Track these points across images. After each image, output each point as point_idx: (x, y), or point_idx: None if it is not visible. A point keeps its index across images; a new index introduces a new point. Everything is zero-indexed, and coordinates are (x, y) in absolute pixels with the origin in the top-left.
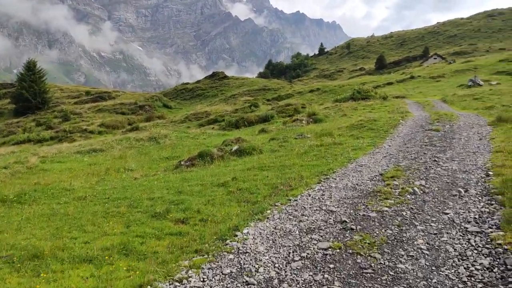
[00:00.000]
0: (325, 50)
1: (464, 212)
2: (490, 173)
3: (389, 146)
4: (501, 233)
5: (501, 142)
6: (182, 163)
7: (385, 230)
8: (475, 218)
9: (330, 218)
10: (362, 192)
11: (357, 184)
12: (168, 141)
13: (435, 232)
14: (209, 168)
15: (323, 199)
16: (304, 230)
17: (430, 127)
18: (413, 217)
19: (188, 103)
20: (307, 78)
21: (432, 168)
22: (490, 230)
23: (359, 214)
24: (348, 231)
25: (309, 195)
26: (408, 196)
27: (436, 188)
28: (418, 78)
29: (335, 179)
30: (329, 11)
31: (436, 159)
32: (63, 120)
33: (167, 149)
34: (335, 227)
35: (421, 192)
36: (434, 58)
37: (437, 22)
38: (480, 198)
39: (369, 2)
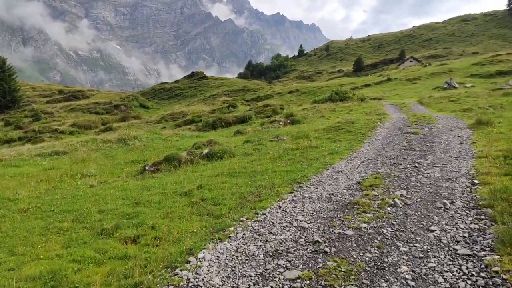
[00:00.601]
0: (305, 52)
1: (451, 229)
2: (476, 181)
3: (367, 150)
4: (496, 257)
5: (483, 146)
6: (146, 168)
7: (363, 253)
8: (464, 237)
9: (301, 238)
10: (338, 203)
11: (332, 194)
12: (138, 143)
13: (420, 255)
14: (175, 173)
15: (294, 212)
16: (270, 254)
17: (408, 129)
18: (394, 236)
19: (166, 103)
20: (286, 79)
21: (413, 176)
22: (483, 253)
23: (334, 232)
24: (321, 254)
25: (279, 208)
26: (389, 209)
27: (419, 199)
28: (395, 80)
29: (309, 187)
30: (309, 14)
31: (417, 165)
32: (33, 119)
33: (135, 151)
34: (306, 249)
35: (403, 204)
36: (410, 61)
37: (413, 26)
38: (467, 211)
39: (348, 5)
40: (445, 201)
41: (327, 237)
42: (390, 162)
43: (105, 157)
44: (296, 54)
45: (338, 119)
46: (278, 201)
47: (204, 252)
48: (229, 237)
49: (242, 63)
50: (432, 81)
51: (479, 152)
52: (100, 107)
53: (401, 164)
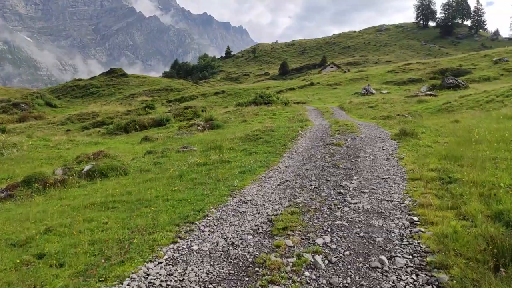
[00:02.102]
0: (232, 53)
1: None
2: (415, 218)
3: (286, 167)
4: None
5: (413, 163)
6: None
7: None
8: None
9: None
10: (237, 265)
11: (232, 244)
12: (16, 152)
13: None
14: (33, 202)
15: (168, 287)
16: None
17: (331, 140)
18: None
19: (79, 102)
20: (213, 80)
21: (339, 209)
22: None
23: None
24: None
25: (147, 277)
26: (307, 273)
27: (347, 253)
28: (318, 85)
29: (203, 231)
30: (236, 16)
31: (342, 191)
32: None
33: (3, 165)
34: None
35: (326, 263)
36: (331, 67)
37: (334, 34)
38: (414, 277)
39: (274, 11)
40: (382, 257)
41: None
42: (311, 185)
43: None
44: (224, 55)
45: (258, 126)
46: (149, 261)
47: None
48: None
49: (168, 62)
50: (351, 86)
51: (409, 172)
52: None
53: (323, 189)
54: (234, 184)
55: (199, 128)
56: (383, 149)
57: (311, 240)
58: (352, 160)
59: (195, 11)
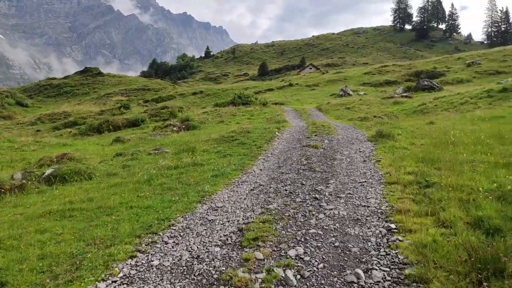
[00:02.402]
0: (212, 53)
1: None
2: (392, 226)
3: (260, 170)
4: None
5: (389, 166)
6: None
7: None
8: None
9: None
10: (200, 282)
11: (197, 258)
12: None
13: None
14: None
15: None
16: None
17: (308, 142)
18: None
19: (52, 101)
20: (192, 80)
21: (314, 215)
22: None
23: None
24: None
25: None
26: None
27: (321, 266)
28: (296, 86)
29: (167, 244)
30: (217, 16)
31: (318, 196)
32: None
33: None
34: None
35: (298, 278)
36: (310, 68)
37: (313, 36)
38: None
39: (254, 12)
40: (358, 270)
41: None
42: (286, 190)
43: None
44: (203, 55)
45: (234, 127)
46: (102, 280)
47: None
48: None
49: (147, 61)
50: (329, 87)
51: (386, 175)
52: None
53: (298, 194)
54: (205, 189)
55: (174, 129)
56: (360, 151)
57: (283, 251)
58: (329, 162)
59: (175, 11)
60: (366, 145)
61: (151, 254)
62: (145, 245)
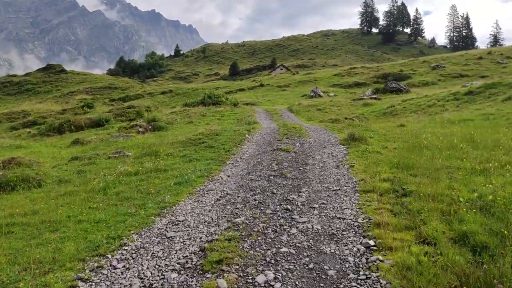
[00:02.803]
0: (181, 52)
1: None
2: (371, 242)
3: (228, 177)
4: None
5: (363, 172)
6: None
7: None
8: None
9: None
10: None
11: (150, 287)
12: None
13: None
14: None
15: None
16: None
17: (279, 145)
18: None
19: (12, 99)
20: (162, 79)
21: (285, 230)
22: None
23: None
24: None
25: None
26: None
27: None
28: (267, 86)
29: (115, 269)
30: (186, 14)
31: (289, 207)
32: None
33: None
34: None
35: None
36: (281, 69)
37: (283, 37)
38: None
39: (225, 11)
40: None
41: None
42: (255, 200)
43: None
44: (173, 53)
45: (203, 129)
46: None
47: None
48: None
49: (114, 59)
50: (300, 88)
51: (361, 182)
52: None
53: (269, 205)
54: (166, 200)
55: (140, 129)
56: (333, 156)
57: (250, 277)
58: (301, 168)
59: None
60: (338, 149)
61: (95, 283)
62: (89, 271)
